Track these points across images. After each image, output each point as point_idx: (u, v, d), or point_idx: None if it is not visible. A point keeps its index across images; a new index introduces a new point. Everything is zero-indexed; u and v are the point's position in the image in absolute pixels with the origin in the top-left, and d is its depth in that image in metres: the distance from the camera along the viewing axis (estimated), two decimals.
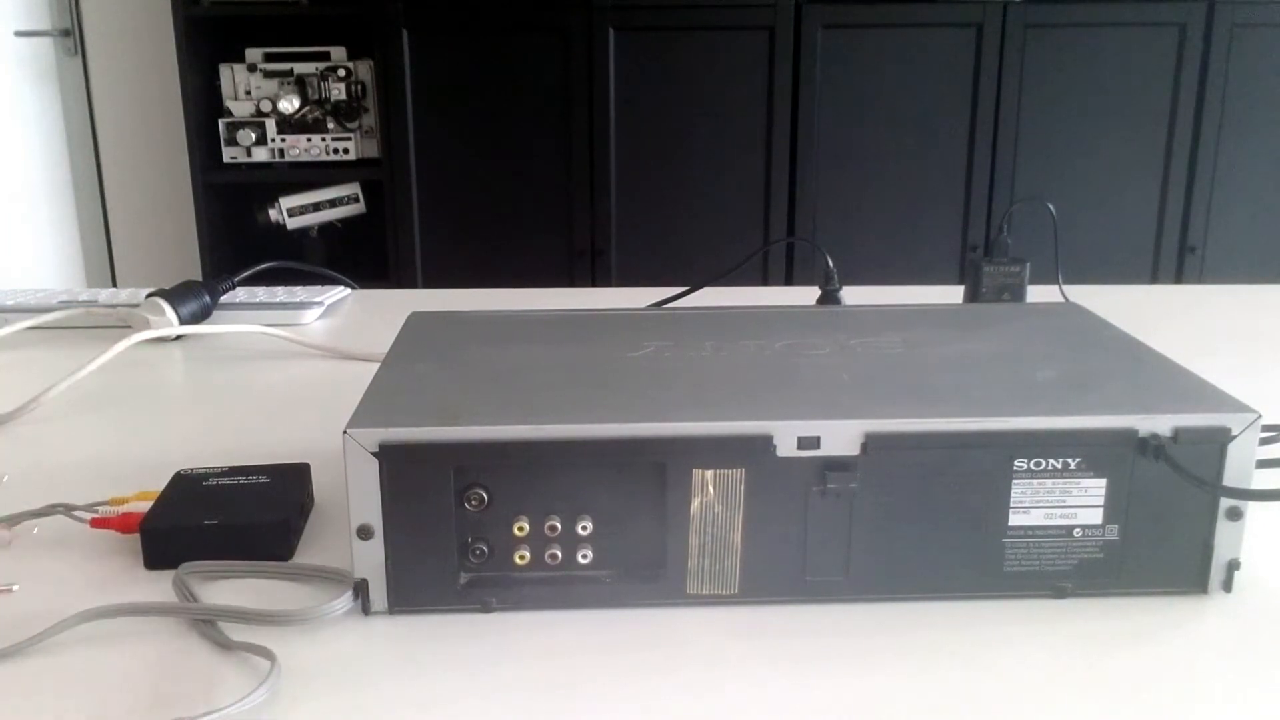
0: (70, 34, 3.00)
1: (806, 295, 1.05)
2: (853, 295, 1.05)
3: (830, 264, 1.04)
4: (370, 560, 0.56)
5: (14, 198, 2.84)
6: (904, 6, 2.58)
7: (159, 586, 0.60)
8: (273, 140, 2.72)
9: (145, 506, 0.64)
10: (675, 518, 0.57)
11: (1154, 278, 2.72)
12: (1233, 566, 0.59)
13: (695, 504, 0.57)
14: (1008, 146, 2.65)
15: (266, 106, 2.70)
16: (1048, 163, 2.66)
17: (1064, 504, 0.58)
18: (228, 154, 2.72)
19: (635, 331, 0.73)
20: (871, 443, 0.56)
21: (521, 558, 0.57)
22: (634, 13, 2.61)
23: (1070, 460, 0.57)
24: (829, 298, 1.05)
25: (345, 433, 0.56)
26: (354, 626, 0.55)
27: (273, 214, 2.81)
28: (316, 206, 2.83)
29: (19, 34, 2.85)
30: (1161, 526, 0.58)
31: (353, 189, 2.84)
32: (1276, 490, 0.56)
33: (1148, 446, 0.57)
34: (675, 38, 2.62)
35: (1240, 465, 0.57)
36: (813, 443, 0.56)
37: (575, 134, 2.66)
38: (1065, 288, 1.11)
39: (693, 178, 2.68)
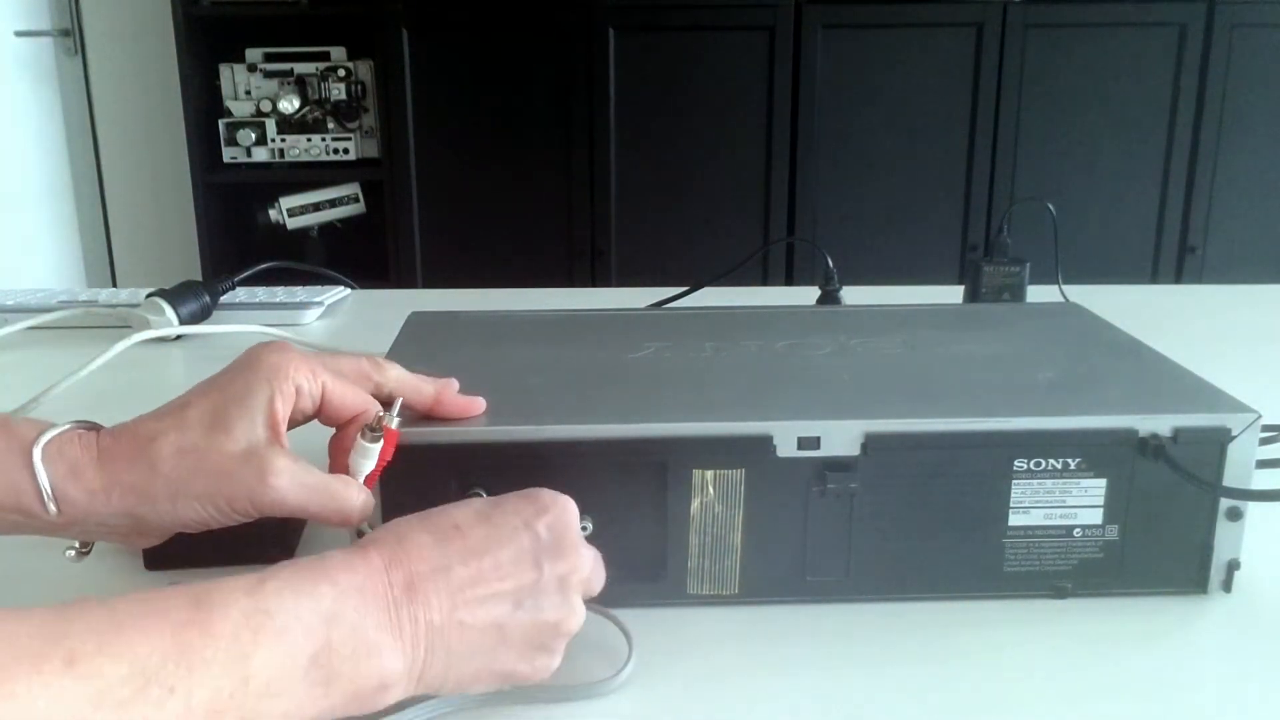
0: (70, 34, 3.00)
1: (806, 295, 1.05)
2: (853, 295, 1.05)
3: (830, 264, 1.04)
4: None
5: (14, 198, 2.84)
6: (904, 6, 2.57)
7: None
8: (273, 140, 2.72)
9: None
10: (675, 518, 0.57)
11: (1154, 278, 2.72)
12: (1233, 566, 0.59)
13: (695, 504, 0.57)
14: (1008, 146, 2.65)
15: (266, 106, 2.70)
16: (1048, 163, 2.66)
17: (1064, 504, 0.58)
18: (228, 154, 2.72)
19: (635, 332, 0.73)
20: (871, 443, 0.56)
21: None
22: (634, 13, 2.61)
23: (1070, 460, 0.57)
24: (829, 298, 1.05)
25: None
26: None
27: (273, 214, 2.81)
28: (316, 206, 2.83)
29: (19, 34, 2.85)
30: (1161, 526, 0.58)
31: (353, 189, 2.84)
32: (1276, 490, 0.56)
33: (1148, 446, 0.57)
34: (675, 38, 2.62)
35: (1240, 465, 0.57)
36: (813, 443, 0.56)
37: (575, 134, 2.66)
38: (1065, 288, 1.11)
39: (693, 178, 2.68)
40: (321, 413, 0.54)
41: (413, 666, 0.44)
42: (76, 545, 0.54)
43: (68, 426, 0.51)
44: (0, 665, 0.34)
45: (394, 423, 0.53)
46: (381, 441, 0.53)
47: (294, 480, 0.50)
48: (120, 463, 0.49)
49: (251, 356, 0.53)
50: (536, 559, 0.47)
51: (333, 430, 0.56)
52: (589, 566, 0.50)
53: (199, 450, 0.49)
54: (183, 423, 0.50)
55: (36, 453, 0.49)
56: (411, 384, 0.56)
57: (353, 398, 0.54)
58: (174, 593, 0.39)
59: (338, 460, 0.54)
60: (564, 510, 0.49)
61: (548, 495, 0.50)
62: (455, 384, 0.57)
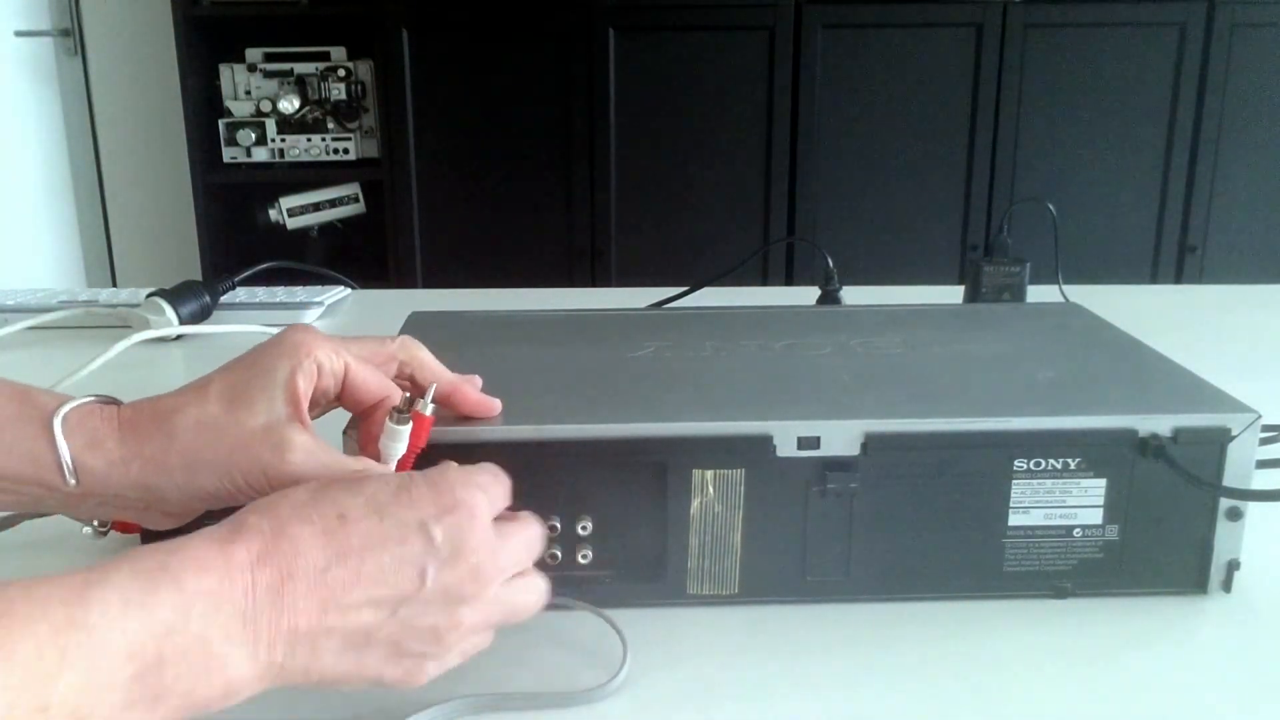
0: (70, 34, 3.00)
1: (806, 295, 1.05)
2: (853, 295, 1.05)
3: (830, 264, 1.04)
4: None
5: (14, 198, 2.84)
6: (904, 6, 2.57)
7: None
8: (273, 140, 2.71)
9: None
10: (675, 518, 0.57)
11: (1154, 278, 2.72)
12: (1233, 566, 0.59)
13: (695, 504, 0.57)
14: (1008, 146, 2.65)
15: (266, 106, 2.70)
16: (1048, 163, 2.66)
17: (1064, 504, 0.58)
18: (228, 154, 2.72)
19: (635, 331, 0.73)
20: (871, 443, 0.56)
21: None
22: (634, 13, 2.60)
23: (1070, 460, 0.57)
24: (829, 298, 1.05)
25: (345, 433, 0.56)
26: None
27: (273, 214, 2.81)
28: (316, 206, 2.83)
29: (19, 34, 2.84)
30: (1161, 526, 0.58)
31: (353, 189, 2.84)
32: (1276, 490, 0.56)
33: (1148, 446, 0.57)
34: (675, 38, 2.62)
35: (1240, 465, 0.57)
36: (813, 443, 0.56)
37: (575, 134, 2.66)
38: (1065, 288, 1.11)
39: (693, 178, 2.68)
40: (344, 395, 0.54)
41: (266, 672, 0.41)
42: (94, 524, 0.54)
43: (88, 399, 0.51)
44: None
45: (428, 410, 0.53)
46: (410, 423, 0.52)
47: (310, 457, 0.49)
48: (140, 434, 0.49)
49: (275, 337, 0.53)
50: (422, 567, 0.44)
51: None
52: (491, 574, 0.46)
53: (219, 424, 0.49)
54: (204, 397, 0.50)
55: (57, 423, 0.49)
56: (434, 368, 0.56)
57: (375, 382, 0.54)
58: None
59: (365, 450, 0.54)
60: (469, 514, 0.45)
61: (457, 492, 0.46)
62: (478, 380, 0.57)
